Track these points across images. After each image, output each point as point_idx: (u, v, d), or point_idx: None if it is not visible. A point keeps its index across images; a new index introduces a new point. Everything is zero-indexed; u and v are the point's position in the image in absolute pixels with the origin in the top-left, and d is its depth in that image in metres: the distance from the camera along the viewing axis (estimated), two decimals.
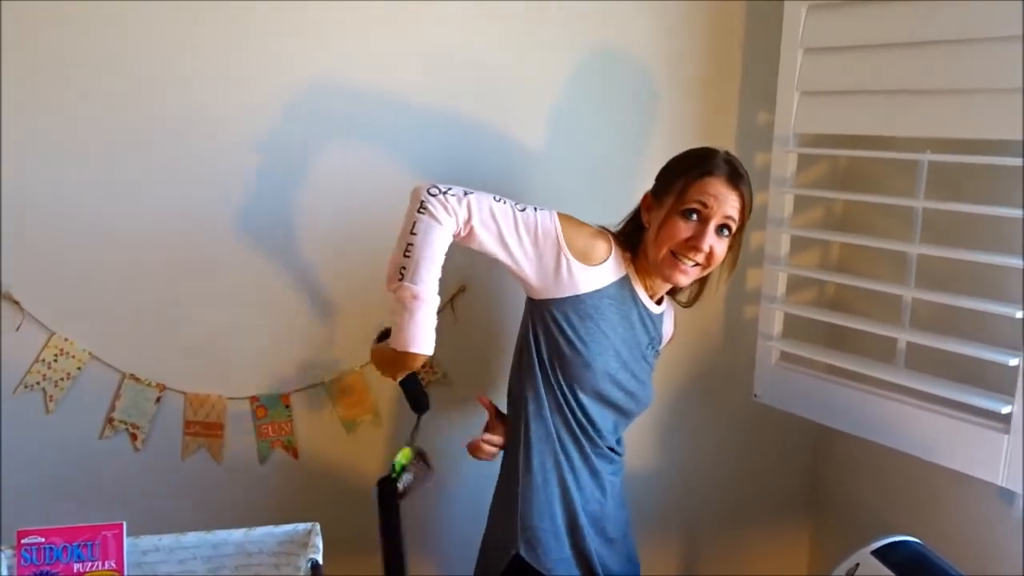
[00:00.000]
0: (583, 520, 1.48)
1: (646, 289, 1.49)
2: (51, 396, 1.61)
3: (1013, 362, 1.41)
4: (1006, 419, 1.42)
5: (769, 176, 1.74)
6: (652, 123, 1.84)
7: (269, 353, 1.72)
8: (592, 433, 1.47)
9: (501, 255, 1.38)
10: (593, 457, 1.49)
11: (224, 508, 1.72)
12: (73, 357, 1.60)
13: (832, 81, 1.64)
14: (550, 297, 1.42)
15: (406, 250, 1.32)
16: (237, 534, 1.35)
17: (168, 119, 1.58)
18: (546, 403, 1.45)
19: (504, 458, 1.54)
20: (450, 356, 1.73)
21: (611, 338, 1.44)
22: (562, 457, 1.46)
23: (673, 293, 1.58)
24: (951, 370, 1.56)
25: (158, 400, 1.66)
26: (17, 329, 1.57)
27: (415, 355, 1.33)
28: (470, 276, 1.75)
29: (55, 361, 1.60)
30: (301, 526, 1.38)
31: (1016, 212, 1.40)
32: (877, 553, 1.31)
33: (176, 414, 1.68)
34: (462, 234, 1.35)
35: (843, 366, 1.68)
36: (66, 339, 1.60)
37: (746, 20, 1.84)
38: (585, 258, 1.40)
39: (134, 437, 1.66)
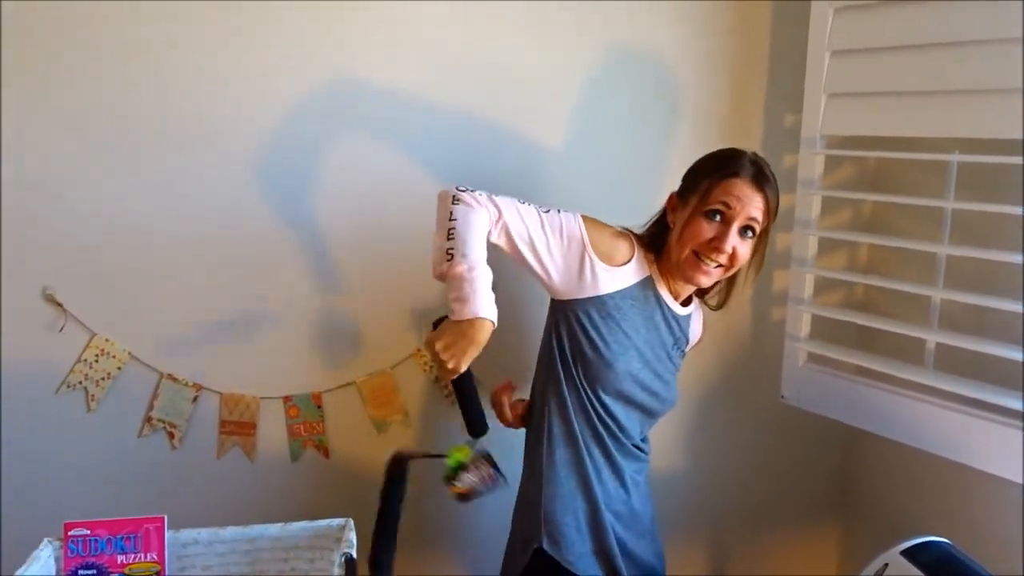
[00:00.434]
0: (606, 517, 1.49)
1: (669, 290, 1.50)
2: (92, 395, 1.65)
3: None
4: None
5: (796, 178, 1.74)
6: (678, 125, 1.84)
7: (302, 354, 1.75)
8: (616, 432, 1.48)
9: (528, 256, 1.39)
10: (617, 455, 1.49)
11: (257, 506, 1.75)
12: (114, 357, 1.65)
13: (859, 82, 1.63)
14: (573, 298, 1.43)
15: (448, 234, 1.32)
16: (274, 528, 1.38)
17: (205, 121, 1.62)
18: (569, 403, 1.46)
19: (527, 456, 1.55)
20: (477, 358, 1.74)
21: (633, 339, 1.45)
22: (585, 455, 1.47)
23: (702, 296, 1.58)
24: (981, 371, 1.54)
25: (195, 400, 1.69)
26: (60, 330, 1.61)
27: (482, 322, 1.30)
28: (495, 280, 1.76)
29: (96, 361, 1.64)
30: (335, 521, 1.40)
31: None
32: (906, 553, 1.30)
33: (211, 413, 1.71)
34: (493, 233, 1.36)
35: (871, 367, 1.67)
36: (107, 339, 1.64)
37: (772, 22, 1.84)
38: (609, 259, 1.42)
39: (171, 436, 1.70)
